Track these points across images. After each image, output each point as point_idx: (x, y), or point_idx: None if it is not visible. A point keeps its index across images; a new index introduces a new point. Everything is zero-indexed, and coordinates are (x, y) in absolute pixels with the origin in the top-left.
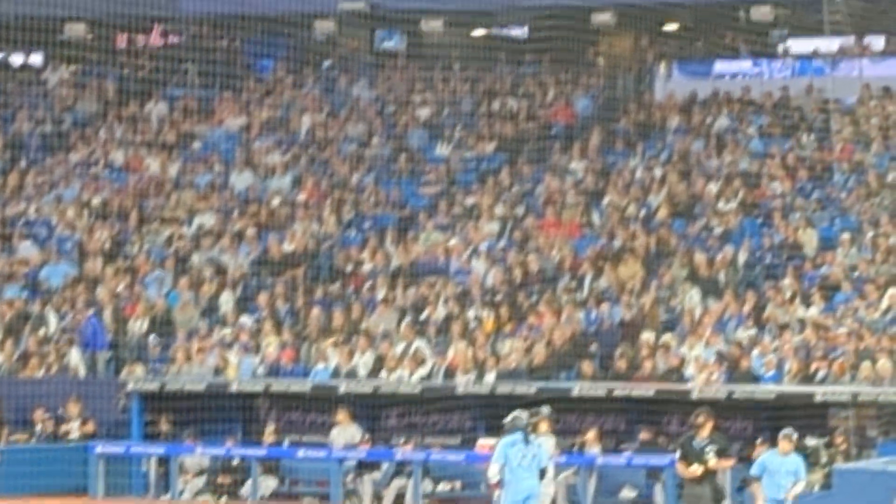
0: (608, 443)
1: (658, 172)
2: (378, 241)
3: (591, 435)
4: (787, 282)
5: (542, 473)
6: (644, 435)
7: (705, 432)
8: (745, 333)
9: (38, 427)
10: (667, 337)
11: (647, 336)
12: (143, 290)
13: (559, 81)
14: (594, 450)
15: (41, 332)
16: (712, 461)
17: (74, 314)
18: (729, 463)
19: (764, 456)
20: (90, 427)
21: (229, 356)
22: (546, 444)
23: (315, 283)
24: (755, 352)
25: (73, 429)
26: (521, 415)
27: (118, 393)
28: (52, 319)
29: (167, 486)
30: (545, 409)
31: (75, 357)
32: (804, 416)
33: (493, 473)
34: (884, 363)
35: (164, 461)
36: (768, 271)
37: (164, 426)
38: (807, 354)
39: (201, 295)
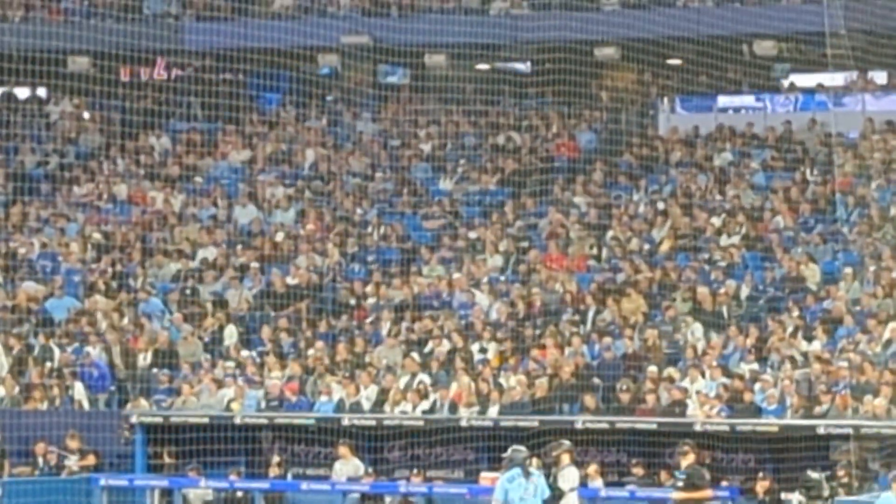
0: (610, 476)
1: (661, 206)
2: (381, 275)
3: (592, 468)
4: (790, 316)
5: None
6: (637, 470)
7: (684, 464)
8: (747, 367)
9: (41, 460)
10: (670, 370)
11: (651, 369)
12: (148, 323)
13: (562, 115)
14: (596, 483)
15: (45, 365)
16: (674, 493)
17: (80, 358)
18: (697, 495)
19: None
20: (91, 460)
21: (234, 389)
22: (569, 475)
23: (319, 316)
24: (758, 385)
25: (73, 462)
26: (520, 448)
27: (122, 425)
28: (56, 352)
29: None
30: (566, 442)
31: (79, 390)
32: (806, 448)
33: None
34: (885, 396)
35: (167, 494)
36: (771, 305)
37: (168, 459)
38: (809, 388)
39: (204, 328)
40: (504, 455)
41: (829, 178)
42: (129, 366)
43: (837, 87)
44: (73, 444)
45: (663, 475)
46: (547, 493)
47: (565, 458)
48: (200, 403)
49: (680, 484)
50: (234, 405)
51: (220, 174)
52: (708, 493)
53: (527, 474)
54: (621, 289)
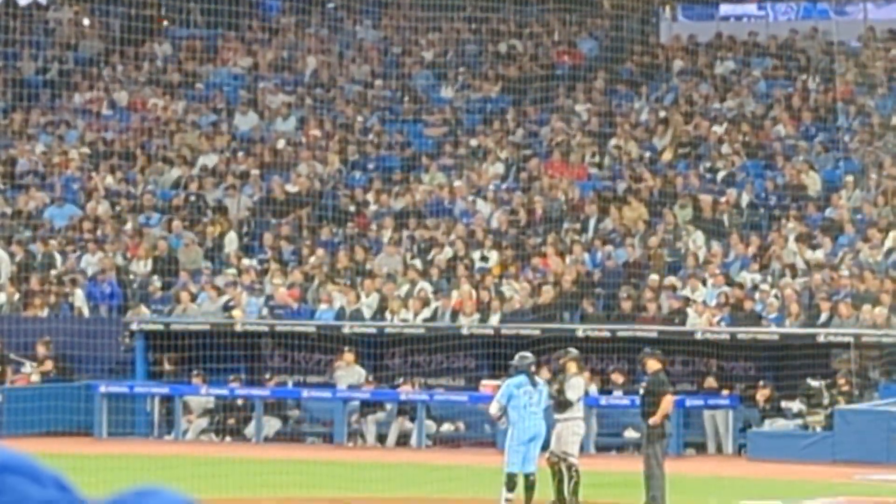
0: (611, 384)
1: (662, 115)
2: (382, 183)
3: (587, 376)
4: (791, 224)
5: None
6: (616, 377)
7: (651, 370)
8: (748, 275)
9: (43, 366)
10: (671, 279)
11: (652, 278)
12: (148, 231)
13: (564, 23)
14: (591, 391)
15: (45, 272)
16: (653, 419)
17: (96, 273)
18: (665, 405)
19: None
20: (48, 366)
21: (234, 297)
22: (576, 384)
23: (319, 224)
24: (758, 294)
25: (30, 370)
26: (526, 355)
27: (122, 332)
28: (58, 259)
29: (171, 426)
30: (573, 350)
31: (80, 297)
32: (806, 357)
33: (493, 411)
34: (886, 305)
35: (168, 401)
36: (772, 213)
37: (169, 366)
38: (810, 296)
39: (205, 236)
40: (512, 361)
41: (830, 86)
42: (127, 272)
43: None
44: (42, 349)
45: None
46: (546, 403)
47: (571, 367)
48: (201, 311)
49: (641, 391)
50: (236, 312)
51: (221, 81)
52: (670, 400)
53: (533, 383)
54: (623, 197)
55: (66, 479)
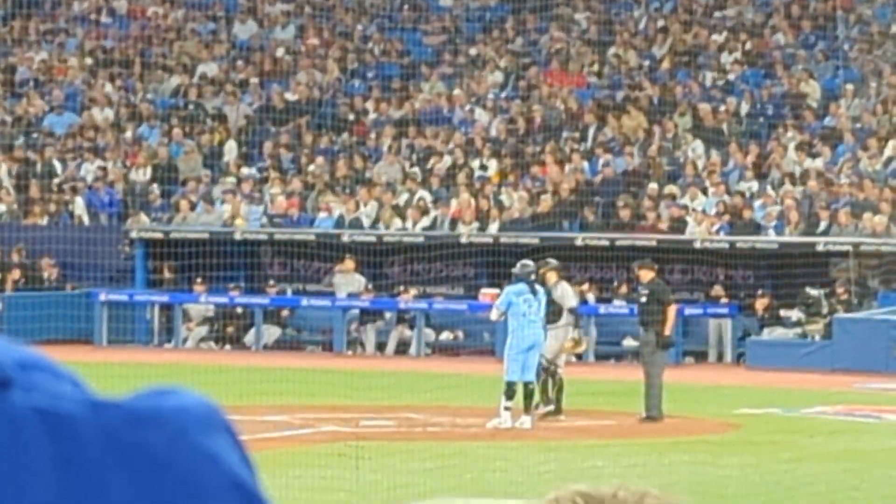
0: (609, 293)
1: (662, 23)
2: (382, 91)
3: (585, 285)
4: (790, 133)
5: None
6: (615, 286)
7: (645, 279)
8: (747, 184)
9: (44, 274)
10: (670, 187)
11: (651, 186)
12: (147, 139)
13: None
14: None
15: (45, 180)
16: (667, 330)
17: (93, 182)
18: (670, 314)
19: None
20: (16, 275)
21: (234, 205)
22: (564, 291)
23: (319, 132)
24: (758, 202)
25: None
26: (527, 263)
27: (122, 240)
28: (58, 167)
29: (170, 334)
30: (552, 261)
31: (79, 205)
32: (805, 265)
33: (493, 317)
34: (885, 213)
35: (167, 309)
36: (771, 122)
37: (168, 274)
38: (809, 205)
39: (204, 144)
40: (514, 269)
41: None
42: (126, 180)
43: None
44: (15, 257)
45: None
46: (544, 312)
47: (552, 277)
48: (200, 219)
49: (643, 299)
50: (239, 221)
51: None
52: (674, 310)
53: (533, 291)
54: (622, 105)
55: (79, 376)
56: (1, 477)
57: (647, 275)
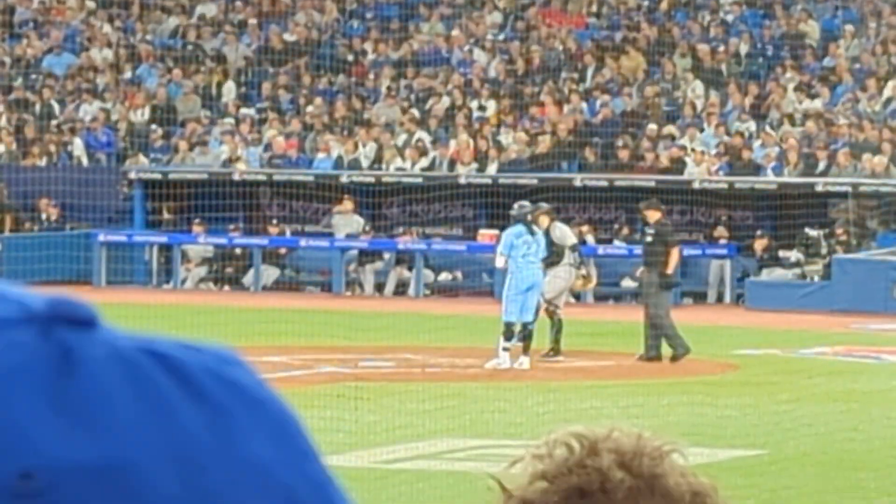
0: (607, 234)
1: None
2: (380, 32)
3: (584, 226)
4: (789, 74)
5: (553, 261)
6: (615, 226)
7: (652, 220)
8: (746, 125)
9: (43, 215)
10: (669, 128)
11: (650, 127)
12: (145, 81)
13: None
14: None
15: (43, 121)
16: (670, 267)
17: (89, 123)
18: (674, 256)
19: None
20: None
21: (232, 146)
22: (563, 230)
23: (317, 73)
24: (757, 143)
25: None
26: (524, 204)
27: (121, 182)
28: (56, 108)
29: (169, 275)
30: (543, 205)
31: (78, 146)
32: (805, 206)
33: (500, 265)
34: (885, 154)
35: (166, 249)
36: (770, 63)
37: (167, 215)
38: (808, 146)
39: (203, 85)
40: (511, 211)
41: None
42: (125, 121)
43: None
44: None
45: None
46: (544, 253)
47: (544, 220)
48: (198, 160)
49: (649, 239)
50: (241, 165)
51: None
52: (677, 252)
53: (531, 232)
54: (620, 46)
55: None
56: (151, 415)
57: (653, 215)
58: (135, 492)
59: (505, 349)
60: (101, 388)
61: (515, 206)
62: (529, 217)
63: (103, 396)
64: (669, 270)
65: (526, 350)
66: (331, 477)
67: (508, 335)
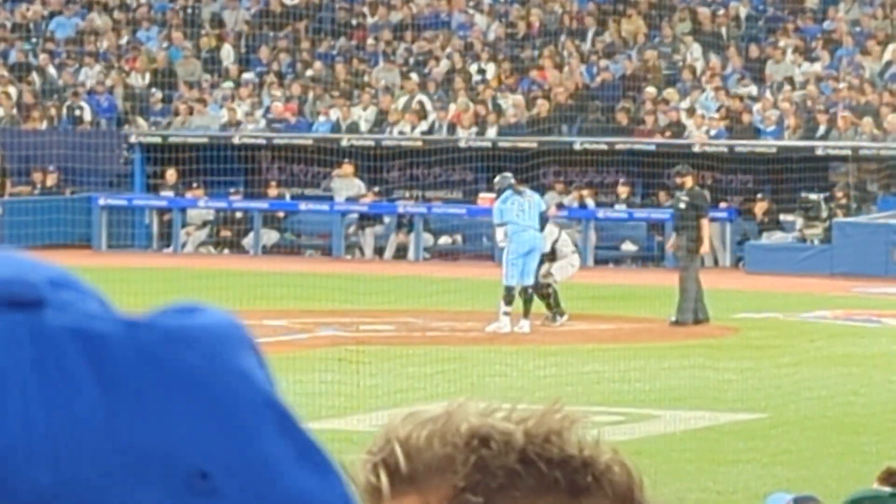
0: (607, 197)
1: None
2: None
3: (585, 190)
4: (789, 36)
5: (543, 222)
6: (621, 189)
7: (687, 187)
8: (746, 88)
9: (44, 179)
10: (669, 91)
11: (649, 90)
12: (145, 44)
13: None
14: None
15: (44, 85)
16: (704, 246)
17: (93, 86)
18: (705, 230)
19: None
20: None
21: (232, 110)
22: (535, 198)
23: (317, 36)
24: (756, 106)
25: None
26: (506, 174)
27: (121, 145)
28: (55, 72)
29: (170, 239)
30: (507, 174)
31: (87, 111)
32: (805, 170)
33: (500, 238)
34: (887, 118)
35: (166, 213)
36: (770, 26)
37: (168, 179)
38: (807, 109)
39: (202, 48)
40: (495, 181)
41: None
42: (125, 84)
43: None
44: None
45: (661, 196)
46: (543, 207)
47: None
48: (198, 124)
49: (682, 205)
50: (248, 127)
51: None
52: (707, 223)
53: (518, 192)
54: (621, 9)
55: (104, 294)
56: (46, 399)
57: (688, 181)
58: (4, 482)
59: (506, 313)
60: (1, 377)
61: (497, 178)
62: (513, 182)
63: None
64: (706, 248)
65: (526, 314)
66: (280, 457)
67: (509, 299)
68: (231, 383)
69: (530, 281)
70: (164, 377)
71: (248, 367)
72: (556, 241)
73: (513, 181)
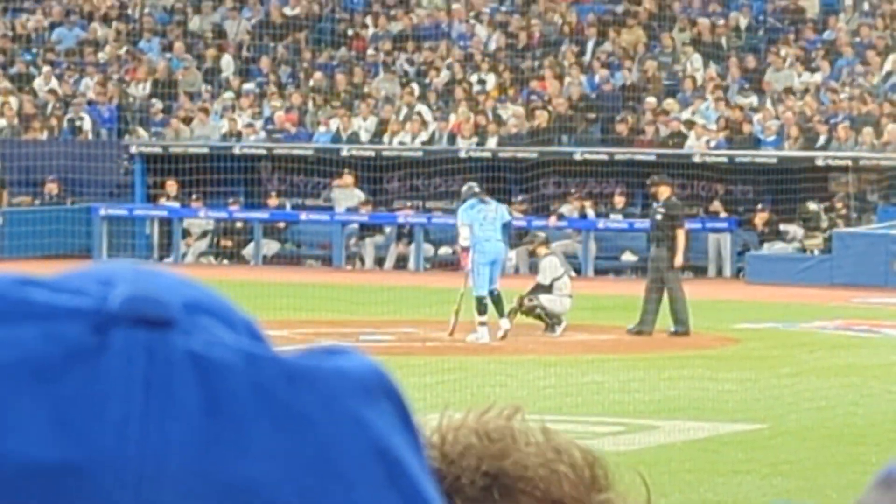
0: (606, 207)
1: None
2: (380, 5)
3: (587, 202)
4: (789, 47)
5: (508, 233)
6: (620, 199)
7: (662, 197)
8: (746, 99)
9: (44, 189)
10: (669, 102)
11: (649, 101)
12: (146, 54)
13: None
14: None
15: (45, 95)
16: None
17: (95, 97)
18: (681, 240)
19: None
20: None
21: (232, 120)
22: (549, 266)
23: (318, 47)
24: (757, 116)
25: None
26: (472, 184)
27: (122, 156)
28: (56, 83)
29: (170, 249)
30: (540, 234)
31: (87, 122)
32: (805, 180)
33: (464, 237)
34: (887, 128)
35: (167, 223)
36: (770, 36)
37: (168, 189)
38: (808, 120)
39: (203, 59)
40: (462, 190)
41: None
42: (125, 95)
43: None
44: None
45: None
46: (507, 218)
47: (541, 250)
48: (198, 134)
49: (659, 217)
50: (250, 134)
51: None
52: (684, 234)
53: (483, 201)
54: (621, 19)
55: (258, 325)
56: (146, 419)
57: (664, 191)
58: (84, 493)
59: (482, 323)
60: (103, 390)
61: (464, 187)
62: (477, 191)
63: (98, 399)
64: (679, 261)
65: (501, 314)
66: None
67: (482, 309)
68: (342, 429)
69: (495, 285)
70: (272, 414)
71: (369, 414)
72: (557, 279)
73: (477, 190)
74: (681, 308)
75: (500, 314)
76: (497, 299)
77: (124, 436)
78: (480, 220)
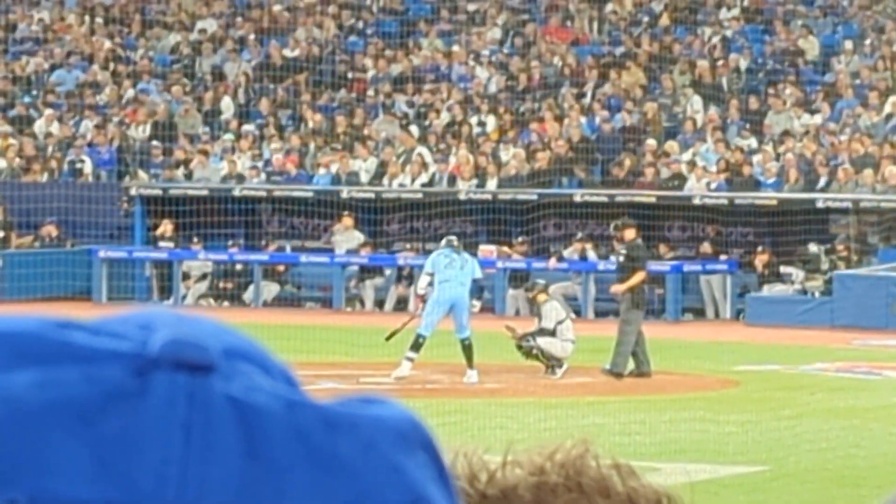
0: (607, 249)
1: None
2: (380, 48)
3: (588, 244)
4: (789, 89)
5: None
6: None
7: (627, 238)
8: (746, 140)
9: (44, 232)
10: (669, 143)
11: (649, 143)
12: (146, 96)
13: None
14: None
15: (45, 138)
16: (614, 286)
17: (93, 138)
18: (635, 280)
19: None
20: None
21: (232, 163)
22: (550, 311)
23: (317, 89)
24: (757, 158)
25: None
26: (451, 237)
27: (121, 198)
28: (56, 125)
29: (170, 291)
30: (540, 282)
31: (88, 164)
32: (805, 222)
33: (421, 285)
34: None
35: (166, 266)
36: (770, 78)
37: (168, 232)
38: (808, 161)
39: (203, 101)
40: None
41: None
42: (125, 137)
43: None
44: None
45: (661, 248)
46: (478, 274)
47: (541, 297)
48: (198, 176)
49: (621, 258)
50: (253, 177)
51: None
52: (642, 275)
53: (457, 251)
54: (621, 62)
55: (293, 373)
56: (185, 462)
57: (629, 234)
58: None
59: (409, 358)
60: (144, 432)
61: (444, 240)
62: (455, 243)
63: (139, 441)
64: (619, 288)
65: (470, 363)
66: None
67: (416, 346)
68: (380, 476)
69: (466, 333)
70: (311, 459)
71: (406, 463)
72: (560, 323)
73: (455, 242)
74: (623, 351)
75: (470, 364)
76: (467, 349)
77: (164, 477)
78: (446, 264)
